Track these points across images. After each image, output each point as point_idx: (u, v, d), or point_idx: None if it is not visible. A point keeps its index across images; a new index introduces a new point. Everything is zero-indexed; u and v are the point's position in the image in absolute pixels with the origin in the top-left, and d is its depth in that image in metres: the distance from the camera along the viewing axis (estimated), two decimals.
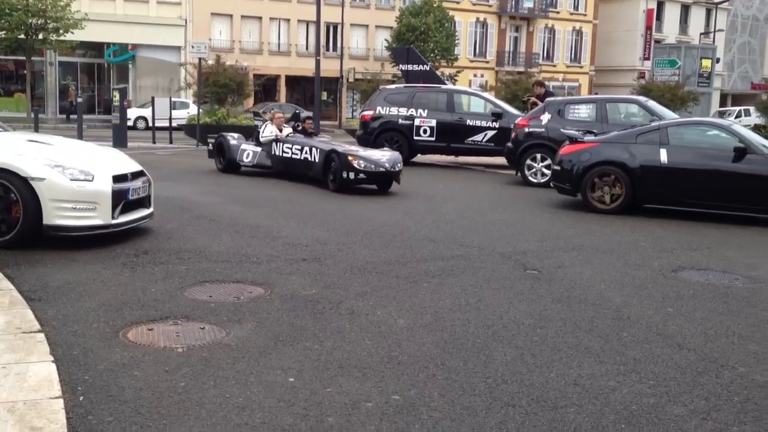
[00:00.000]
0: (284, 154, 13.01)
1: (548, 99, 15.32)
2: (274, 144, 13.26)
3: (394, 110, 17.01)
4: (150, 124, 25.46)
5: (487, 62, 52.30)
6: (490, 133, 16.32)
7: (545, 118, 14.20)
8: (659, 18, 59.99)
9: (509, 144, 14.67)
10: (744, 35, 68.83)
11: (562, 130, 12.64)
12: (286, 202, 10.57)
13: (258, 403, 3.68)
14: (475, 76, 50.38)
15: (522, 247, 7.79)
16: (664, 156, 10.29)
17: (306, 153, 12.52)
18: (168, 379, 3.95)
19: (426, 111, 16.83)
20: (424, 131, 16.70)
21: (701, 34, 60.25)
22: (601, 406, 3.81)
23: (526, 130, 14.26)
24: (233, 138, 14.15)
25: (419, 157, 17.88)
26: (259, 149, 13.54)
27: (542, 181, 13.64)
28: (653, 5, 58.81)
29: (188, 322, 4.94)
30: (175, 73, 39.11)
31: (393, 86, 19.55)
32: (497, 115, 16.39)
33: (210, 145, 14.66)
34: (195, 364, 4.17)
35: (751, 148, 9.97)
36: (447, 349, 4.59)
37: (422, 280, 6.30)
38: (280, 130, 13.42)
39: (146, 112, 29.95)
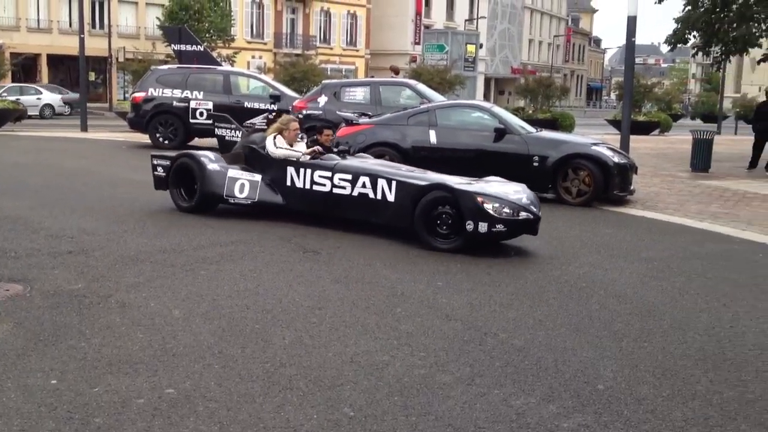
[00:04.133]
0: (316, 188, 8.05)
1: (324, 82, 15.57)
2: (291, 170, 8.25)
3: (167, 92, 16.39)
4: None
5: (265, 44, 51.95)
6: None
7: (322, 100, 14.41)
8: (428, 4, 62.75)
9: None
10: (504, 22, 73.95)
11: (338, 112, 12.90)
12: (50, 190, 9.83)
13: (15, 410, 3.40)
14: (253, 57, 49.87)
15: (302, 230, 7.82)
16: (433, 137, 10.81)
17: (364, 186, 7.74)
18: None
19: (202, 93, 16.39)
20: (201, 114, 16.25)
21: (466, 20, 63.86)
22: (375, 380, 3.94)
23: (304, 112, 14.36)
24: (210, 160, 8.56)
25: (196, 140, 17.41)
26: (258, 178, 8.41)
27: None
28: None
29: None
30: None
31: (166, 67, 18.83)
32: (275, 98, 16.31)
33: (159, 168, 8.85)
34: None
35: (510, 129, 10.73)
36: (224, 337, 4.51)
37: (199, 267, 6.14)
38: (291, 146, 8.46)
39: None
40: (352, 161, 8.26)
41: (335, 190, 7.93)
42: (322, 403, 3.64)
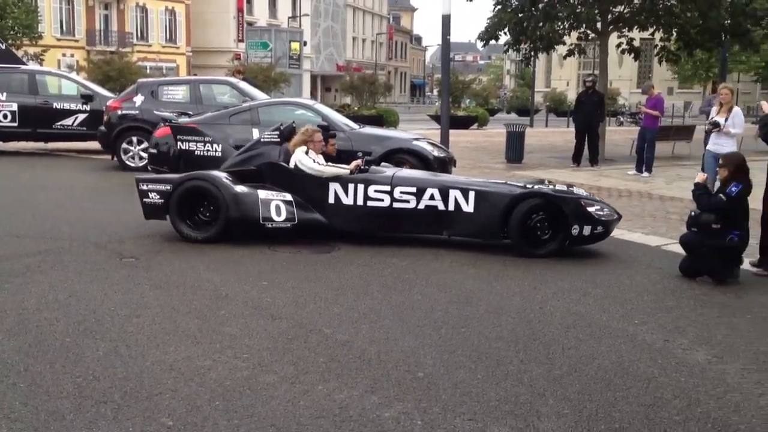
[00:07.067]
0: (371, 203, 7.46)
1: (140, 80, 15.02)
2: (336, 186, 7.51)
3: None
4: None
5: (77, 41, 49.16)
6: (81, 117, 15.36)
7: (138, 100, 13.81)
8: (249, 1, 61.90)
9: (102, 128, 13.99)
10: (327, 20, 74.42)
11: (155, 111, 12.41)
12: None
13: None
14: (64, 55, 47.06)
15: (119, 236, 7.48)
16: (256, 135, 10.64)
17: (432, 199, 7.35)
18: None
19: (5, 94, 15.24)
20: (5, 116, 15.11)
21: (289, 18, 63.69)
22: (196, 386, 3.83)
23: (119, 112, 13.72)
24: (231, 181, 7.46)
25: (1, 145, 16.20)
26: (288, 197, 7.49)
27: (141, 165, 13.26)
28: None
29: None
30: None
31: None
32: (87, 98, 15.49)
33: (152, 194, 7.46)
34: None
35: (333, 126, 10.81)
36: (31, 353, 4.22)
37: (3, 281, 5.72)
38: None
39: None
40: (408, 173, 7.97)
41: (396, 205, 7.43)
42: (139, 414, 3.49)
